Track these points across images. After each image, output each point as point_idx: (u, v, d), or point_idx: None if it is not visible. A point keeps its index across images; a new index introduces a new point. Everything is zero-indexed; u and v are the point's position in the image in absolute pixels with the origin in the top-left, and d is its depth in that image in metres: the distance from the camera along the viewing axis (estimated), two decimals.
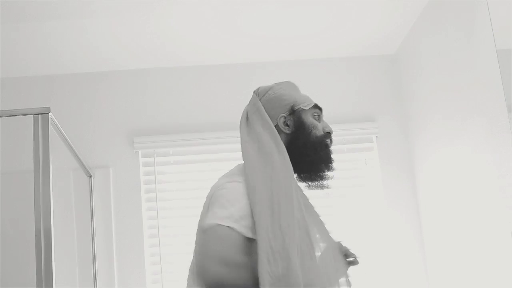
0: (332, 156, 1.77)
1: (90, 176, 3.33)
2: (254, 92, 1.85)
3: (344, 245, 1.79)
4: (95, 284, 3.22)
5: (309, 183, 1.77)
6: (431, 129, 3.13)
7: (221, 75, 3.58)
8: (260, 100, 1.81)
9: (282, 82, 1.86)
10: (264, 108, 1.78)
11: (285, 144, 1.72)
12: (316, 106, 1.79)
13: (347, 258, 1.77)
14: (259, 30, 3.20)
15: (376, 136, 3.52)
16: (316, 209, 1.83)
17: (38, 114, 2.26)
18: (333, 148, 3.79)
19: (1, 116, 2.37)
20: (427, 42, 3.08)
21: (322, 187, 1.79)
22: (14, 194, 3.24)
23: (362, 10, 3.06)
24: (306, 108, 1.77)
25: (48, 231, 2.15)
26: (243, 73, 3.57)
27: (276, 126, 1.75)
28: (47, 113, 2.26)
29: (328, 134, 1.78)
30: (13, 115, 2.39)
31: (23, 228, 3.19)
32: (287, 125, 1.75)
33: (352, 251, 1.78)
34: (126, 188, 3.39)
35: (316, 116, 1.78)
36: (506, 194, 2.35)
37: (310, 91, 3.59)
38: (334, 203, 3.42)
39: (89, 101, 3.51)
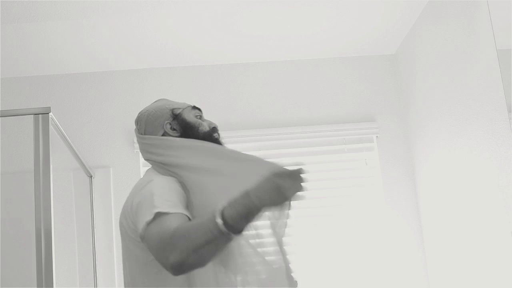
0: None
1: (91, 176, 3.33)
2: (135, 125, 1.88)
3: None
4: (95, 284, 3.22)
5: None
6: (431, 129, 3.13)
7: (221, 75, 3.58)
8: (139, 129, 1.84)
9: (152, 103, 1.91)
10: (146, 129, 1.81)
11: None
12: (195, 107, 1.85)
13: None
14: (259, 30, 3.20)
15: (376, 136, 3.52)
16: None
17: (38, 114, 2.25)
18: (333, 148, 3.78)
19: (1, 116, 2.37)
20: (427, 42, 3.08)
21: None
22: (14, 194, 3.24)
23: (362, 10, 3.06)
24: (186, 109, 1.82)
25: (49, 231, 2.15)
26: (243, 73, 3.58)
27: (164, 134, 1.80)
28: (47, 113, 2.26)
29: (214, 129, 1.83)
30: (13, 115, 2.39)
31: (23, 228, 3.20)
32: (174, 129, 1.80)
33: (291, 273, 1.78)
34: (126, 188, 3.38)
35: (198, 117, 1.84)
36: (506, 194, 2.35)
37: (310, 91, 3.61)
38: (334, 203, 3.42)
39: (89, 101, 3.51)
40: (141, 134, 1.83)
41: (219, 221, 1.39)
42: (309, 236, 3.37)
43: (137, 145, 3.39)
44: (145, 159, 1.82)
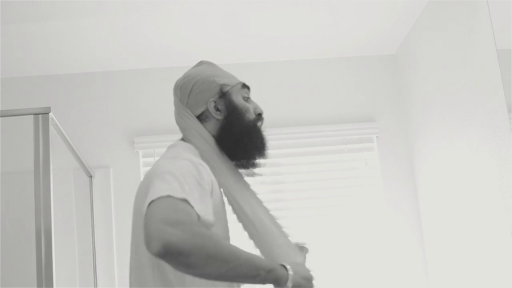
0: (265, 141, 1.69)
1: (91, 176, 3.33)
2: (174, 89, 1.71)
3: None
4: (95, 284, 3.22)
5: (241, 170, 1.69)
6: (431, 129, 3.13)
7: None
8: (181, 98, 1.67)
9: (198, 65, 1.73)
10: (189, 100, 1.65)
11: (216, 131, 1.63)
12: (244, 85, 1.69)
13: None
14: (259, 30, 3.20)
15: (376, 136, 3.53)
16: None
17: (38, 114, 2.26)
18: (333, 148, 3.78)
19: (1, 116, 2.37)
20: (427, 42, 3.08)
21: (252, 175, 1.70)
22: (14, 194, 3.24)
23: (362, 10, 3.06)
24: (235, 87, 1.67)
25: (49, 231, 2.15)
26: (243, 73, 3.57)
27: (206, 111, 1.64)
28: (47, 113, 2.26)
29: (259, 116, 1.68)
30: (13, 115, 2.39)
31: (23, 228, 3.20)
32: (218, 109, 1.64)
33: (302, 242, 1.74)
34: (126, 188, 3.39)
35: (246, 97, 1.67)
36: (506, 194, 2.35)
37: (310, 91, 3.61)
38: (334, 203, 3.42)
39: (89, 101, 3.52)
40: (183, 104, 1.66)
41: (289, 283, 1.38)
42: (309, 236, 3.37)
43: (137, 145, 3.41)
44: (179, 127, 1.67)
